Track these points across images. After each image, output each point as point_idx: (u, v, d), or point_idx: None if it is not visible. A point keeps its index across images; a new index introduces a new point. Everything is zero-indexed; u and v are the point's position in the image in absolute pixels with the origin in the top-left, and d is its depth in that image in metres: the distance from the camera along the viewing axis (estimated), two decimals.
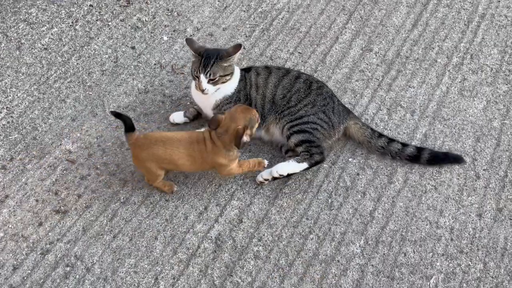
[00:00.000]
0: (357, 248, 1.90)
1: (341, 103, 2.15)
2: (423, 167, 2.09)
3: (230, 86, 2.07)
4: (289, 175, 2.02)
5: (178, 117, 2.24)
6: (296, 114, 2.07)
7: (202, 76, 1.98)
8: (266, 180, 2.03)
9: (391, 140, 2.09)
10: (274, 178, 2.02)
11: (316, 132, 2.04)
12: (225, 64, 2.00)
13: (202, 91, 2.01)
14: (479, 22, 2.61)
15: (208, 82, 1.99)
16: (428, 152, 2.07)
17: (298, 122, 2.05)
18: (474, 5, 2.68)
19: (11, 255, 1.89)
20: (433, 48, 2.50)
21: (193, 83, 2.10)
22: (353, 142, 2.17)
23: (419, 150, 2.08)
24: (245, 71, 2.15)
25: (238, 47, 2.00)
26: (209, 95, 2.04)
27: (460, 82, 2.37)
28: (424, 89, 2.35)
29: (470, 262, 1.87)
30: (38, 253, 1.90)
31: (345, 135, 2.15)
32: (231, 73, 2.04)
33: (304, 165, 2.00)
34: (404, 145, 2.09)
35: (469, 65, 2.43)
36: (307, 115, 2.06)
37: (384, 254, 1.88)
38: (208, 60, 1.98)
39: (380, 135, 2.11)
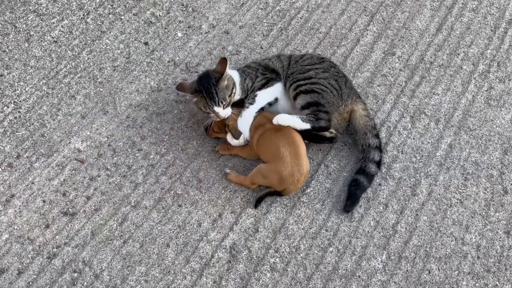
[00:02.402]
0: (379, 263, 1.81)
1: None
2: (448, 179, 2.00)
3: (236, 81, 2.03)
4: None
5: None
6: (304, 73, 1.99)
7: (217, 109, 1.93)
8: None
9: (378, 148, 1.97)
10: None
11: (325, 94, 1.95)
12: (224, 84, 1.95)
13: (224, 118, 1.97)
14: (506, 28, 2.51)
15: (224, 108, 1.94)
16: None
17: (306, 82, 1.97)
18: (501, 11, 2.58)
19: (16, 258, 1.81)
20: (458, 54, 2.40)
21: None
22: (350, 154, 2.08)
23: (370, 178, 1.96)
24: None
25: (224, 61, 1.94)
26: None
27: (486, 90, 2.28)
28: (449, 97, 2.25)
29: (497, 282, 1.78)
30: (45, 257, 1.82)
31: (349, 117, 2.04)
32: (234, 84, 2.00)
33: (307, 125, 1.90)
34: (379, 163, 1.97)
35: (496, 73, 2.34)
36: (317, 77, 1.99)
37: (407, 270, 1.80)
38: (210, 91, 1.92)
39: (377, 135, 2.00)
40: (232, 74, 2.04)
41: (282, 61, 2.11)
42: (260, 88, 2.02)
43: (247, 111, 1.99)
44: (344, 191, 1.97)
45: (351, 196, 1.92)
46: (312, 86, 1.95)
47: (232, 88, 1.98)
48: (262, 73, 2.05)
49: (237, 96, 2.03)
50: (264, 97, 2.01)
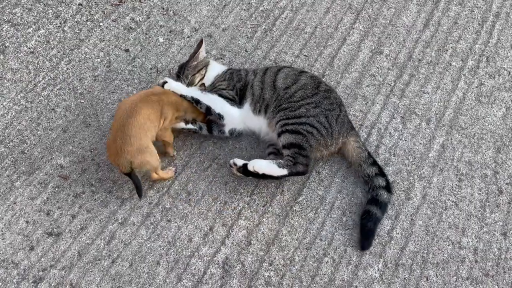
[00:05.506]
0: (375, 272, 1.77)
1: (347, 116, 2.00)
2: (442, 181, 1.97)
3: (215, 71, 2.16)
4: (263, 176, 1.87)
5: None
6: (295, 111, 1.91)
7: (175, 81, 2.03)
8: (235, 166, 1.90)
9: (379, 174, 1.89)
10: (246, 172, 1.87)
11: (310, 137, 1.87)
12: (194, 63, 2.12)
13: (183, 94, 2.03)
14: (494, 21, 2.47)
15: (187, 85, 2.07)
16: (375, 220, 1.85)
17: (294, 121, 1.89)
18: (488, 3, 2.54)
19: (0, 284, 1.73)
20: (447, 50, 2.36)
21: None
22: (341, 159, 2.02)
23: (383, 207, 1.86)
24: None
25: (200, 42, 2.15)
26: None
27: (476, 87, 2.24)
28: (439, 95, 2.21)
29: (497, 286, 1.75)
30: (30, 281, 1.75)
31: (338, 150, 1.97)
32: (204, 66, 2.14)
33: (284, 171, 1.84)
34: (389, 187, 1.88)
35: (486, 68, 2.30)
36: (306, 115, 1.90)
37: (405, 278, 1.76)
38: (181, 69, 2.13)
39: (374, 163, 1.92)
40: (215, 66, 2.18)
41: (264, 85, 2.03)
42: (221, 96, 2.03)
43: (189, 89, 2.02)
44: (337, 198, 1.92)
45: (365, 232, 1.82)
46: (299, 127, 1.88)
47: (200, 70, 2.12)
48: (236, 92, 2.07)
49: (204, 79, 2.13)
50: (214, 101, 2.01)
